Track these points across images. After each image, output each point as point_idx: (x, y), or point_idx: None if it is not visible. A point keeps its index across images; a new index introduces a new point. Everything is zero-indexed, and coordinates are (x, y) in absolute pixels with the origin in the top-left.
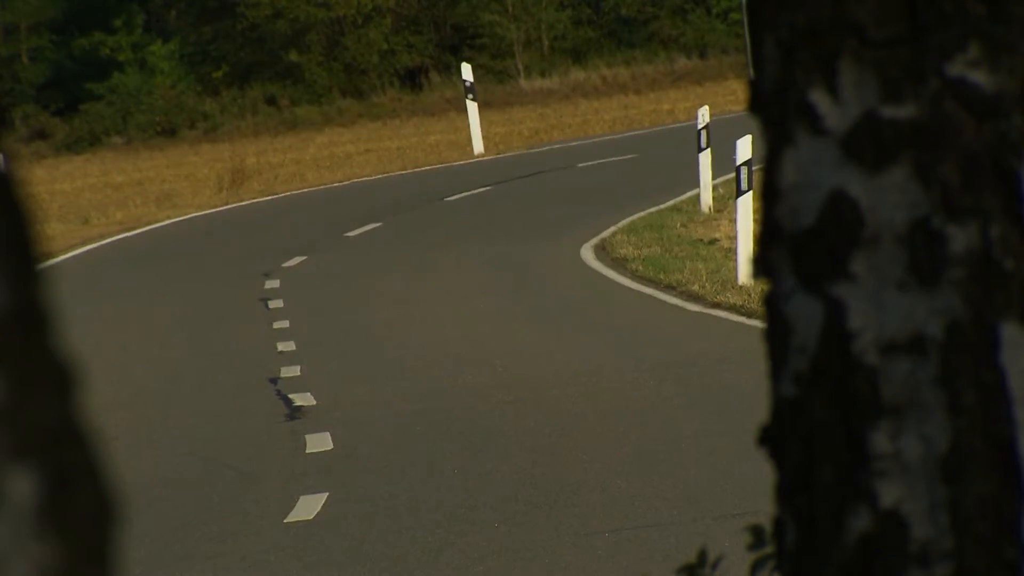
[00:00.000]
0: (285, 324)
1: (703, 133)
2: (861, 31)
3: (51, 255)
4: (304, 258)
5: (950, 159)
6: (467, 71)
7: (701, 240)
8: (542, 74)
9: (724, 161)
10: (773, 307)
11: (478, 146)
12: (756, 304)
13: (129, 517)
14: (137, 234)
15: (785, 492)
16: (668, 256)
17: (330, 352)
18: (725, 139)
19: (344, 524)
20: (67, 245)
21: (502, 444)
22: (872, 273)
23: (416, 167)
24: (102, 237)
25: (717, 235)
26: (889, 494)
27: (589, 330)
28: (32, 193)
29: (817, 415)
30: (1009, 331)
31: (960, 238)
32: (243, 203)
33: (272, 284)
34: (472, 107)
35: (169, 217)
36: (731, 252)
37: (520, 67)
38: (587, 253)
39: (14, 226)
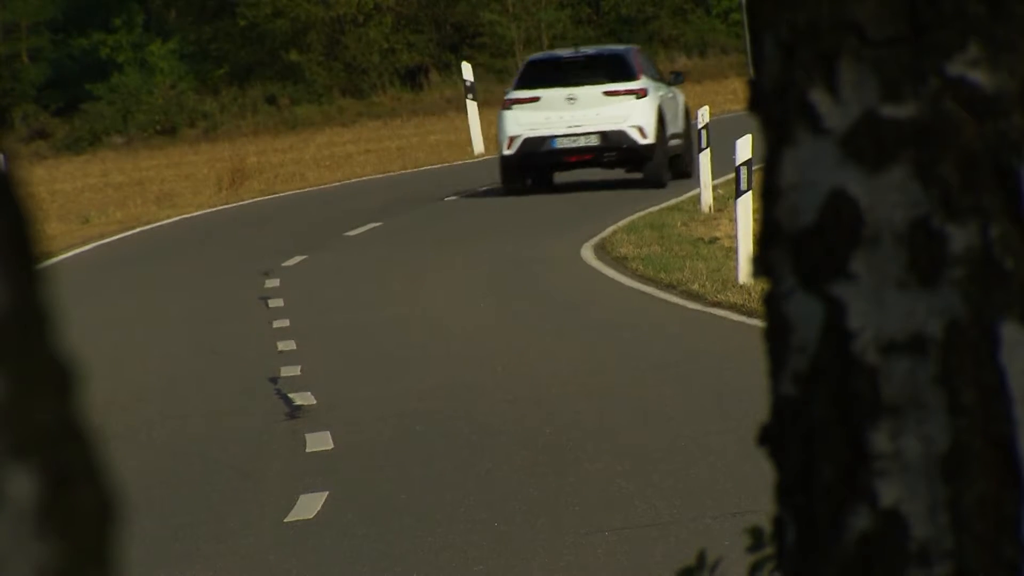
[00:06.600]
0: (285, 324)
1: (703, 133)
2: (861, 30)
3: (51, 255)
4: (304, 258)
5: (950, 158)
6: (467, 70)
7: (701, 239)
8: None
9: (724, 161)
10: (773, 306)
11: (478, 146)
12: (756, 303)
13: (129, 517)
14: (137, 234)
15: (785, 492)
16: (668, 255)
17: (330, 352)
18: (725, 139)
19: (344, 524)
20: (67, 245)
21: (502, 444)
22: (872, 273)
23: (416, 167)
24: (102, 237)
25: (717, 234)
26: (889, 494)
27: (589, 329)
28: (32, 193)
29: (817, 415)
30: (1009, 331)
31: (960, 238)
32: (243, 203)
33: (272, 283)
34: (472, 107)
35: (169, 217)
36: (731, 251)
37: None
38: (587, 252)
39: (14, 226)
